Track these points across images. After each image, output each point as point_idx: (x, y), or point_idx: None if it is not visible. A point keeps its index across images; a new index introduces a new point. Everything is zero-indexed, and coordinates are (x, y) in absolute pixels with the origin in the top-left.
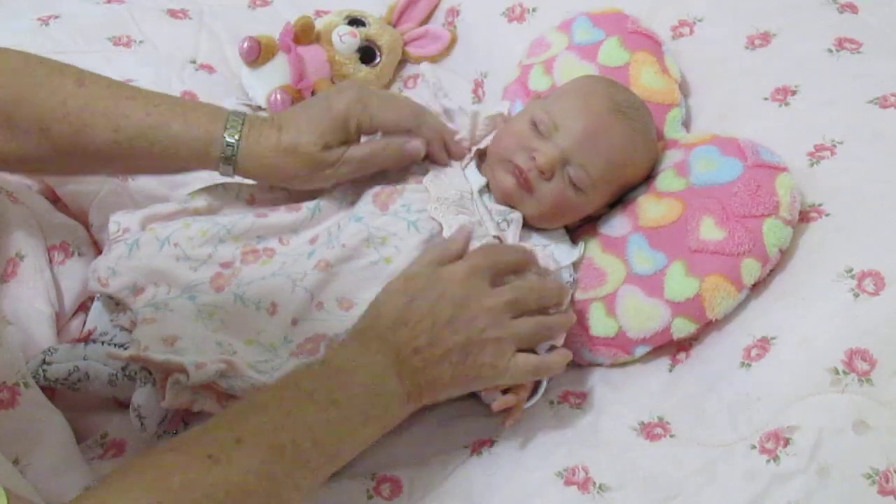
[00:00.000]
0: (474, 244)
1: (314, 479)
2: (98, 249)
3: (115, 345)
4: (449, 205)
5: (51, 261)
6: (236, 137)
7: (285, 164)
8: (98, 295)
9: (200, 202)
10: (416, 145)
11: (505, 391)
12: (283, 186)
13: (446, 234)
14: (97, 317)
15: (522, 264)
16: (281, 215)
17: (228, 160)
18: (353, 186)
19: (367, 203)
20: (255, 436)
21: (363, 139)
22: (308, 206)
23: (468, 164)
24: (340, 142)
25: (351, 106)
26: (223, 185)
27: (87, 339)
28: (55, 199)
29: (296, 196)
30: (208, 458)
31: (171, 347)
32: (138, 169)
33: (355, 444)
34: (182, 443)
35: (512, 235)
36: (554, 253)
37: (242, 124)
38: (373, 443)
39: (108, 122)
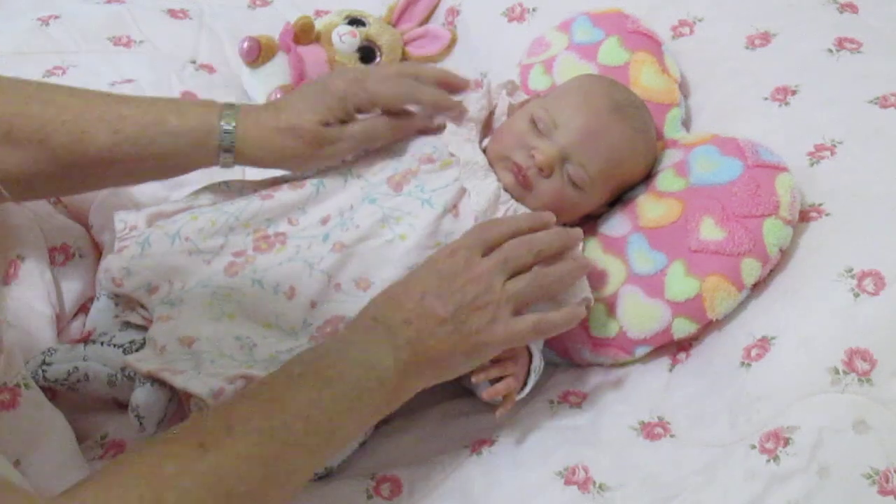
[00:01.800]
0: (500, 209)
1: (311, 460)
2: (98, 251)
3: (115, 345)
4: (478, 168)
5: (51, 262)
6: (233, 124)
7: (286, 144)
8: (98, 296)
9: (204, 199)
10: (415, 117)
11: (495, 381)
12: (285, 169)
13: (474, 200)
14: (97, 317)
15: (519, 231)
16: (286, 193)
17: (228, 148)
18: (358, 160)
19: (380, 185)
20: (246, 422)
21: (361, 117)
22: (311, 181)
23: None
24: (339, 120)
25: (348, 85)
26: (225, 182)
27: (86, 340)
28: (56, 201)
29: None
30: (199, 447)
31: (188, 349)
32: (141, 173)
33: (353, 421)
34: (174, 434)
35: None
36: None
37: (237, 112)
38: (373, 433)
39: (107, 124)
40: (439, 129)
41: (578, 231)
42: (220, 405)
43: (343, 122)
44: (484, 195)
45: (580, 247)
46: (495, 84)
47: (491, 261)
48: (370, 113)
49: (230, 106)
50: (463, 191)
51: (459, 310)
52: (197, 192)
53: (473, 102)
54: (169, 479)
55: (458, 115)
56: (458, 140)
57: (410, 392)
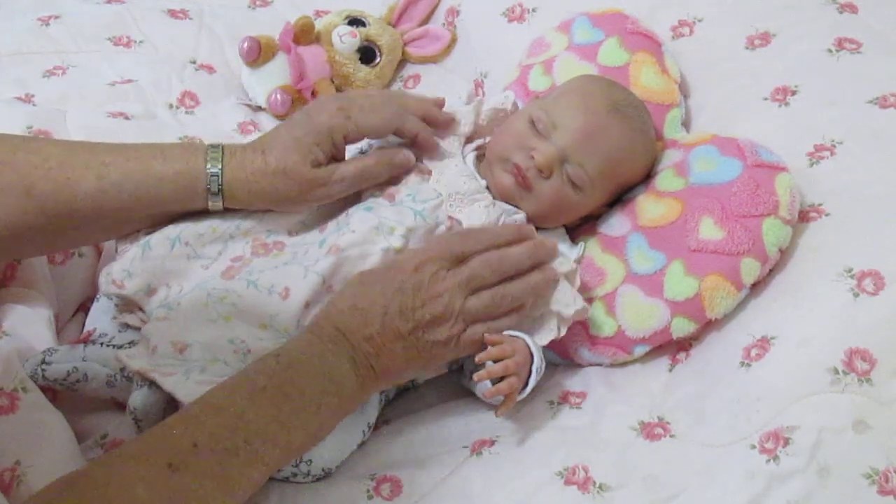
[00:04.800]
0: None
1: (268, 470)
2: (98, 250)
3: (114, 346)
4: (463, 196)
5: (51, 261)
6: (219, 167)
7: (275, 187)
8: (98, 296)
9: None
10: (405, 156)
11: (496, 381)
12: (277, 210)
13: (467, 225)
14: (97, 317)
15: (492, 246)
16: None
17: (216, 192)
18: None
19: (375, 195)
20: (210, 439)
21: (352, 148)
22: None
23: (468, 155)
24: (328, 156)
25: (333, 118)
26: None
27: (86, 341)
28: None
29: None
30: (168, 467)
31: (180, 355)
32: (129, 223)
33: (311, 431)
34: (142, 450)
35: None
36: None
37: (222, 154)
38: (331, 428)
39: (91, 171)
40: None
41: (553, 244)
42: (189, 416)
43: (333, 157)
44: (476, 221)
45: (579, 249)
46: (486, 107)
47: (455, 278)
48: (359, 142)
49: (214, 148)
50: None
51: (418, 327)
52: None
53: (462, 116)
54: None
55: (444, 126)
56: (441, 156)
57: (367, 398)
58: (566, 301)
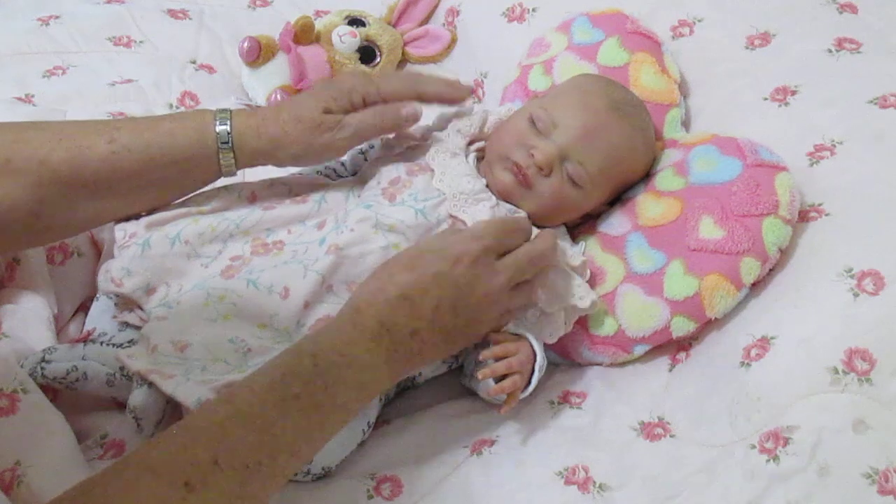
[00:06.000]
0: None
1: (284, 481)
2: (97, 249)
3: (114, 345)
4: (467, 196)
5: (51, 261)
6: (227, 123)
7: (285, 131)
8: (98, 296)
9: (204, 205)
10: (412, 108)
11: (500, 378)
12: (284, 164)
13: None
14: (97, 317)
15: (526, 237)
16: (287, 207)
17: (226, 141)
18: (359, 180)
19: (376, 194)
20: (233, 455)
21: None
22: (314, 197)
23: (469, 155)
24: (343, 111)
25: (355, 79)
26: (224, 186)
27: (86, 340)
28: None
29: (296, 190)
30: (184, 486)
31: (180, 354)
32: (143, 189)
33: (328, 438)
34: (161, 462)
35: None
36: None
37: (231, 114)
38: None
39: (102, 136)
40: (427, 140)
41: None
42: (212, 426)
43: (346, 112)
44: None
45: (579, 248)
46: (493, 117)
47: (506, 275)
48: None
49: (223, 110)
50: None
51: (468, 324)
52: (195, 197)
53: (469, 119)
54: None
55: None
56: (444, 156)
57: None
58: (581, 294)
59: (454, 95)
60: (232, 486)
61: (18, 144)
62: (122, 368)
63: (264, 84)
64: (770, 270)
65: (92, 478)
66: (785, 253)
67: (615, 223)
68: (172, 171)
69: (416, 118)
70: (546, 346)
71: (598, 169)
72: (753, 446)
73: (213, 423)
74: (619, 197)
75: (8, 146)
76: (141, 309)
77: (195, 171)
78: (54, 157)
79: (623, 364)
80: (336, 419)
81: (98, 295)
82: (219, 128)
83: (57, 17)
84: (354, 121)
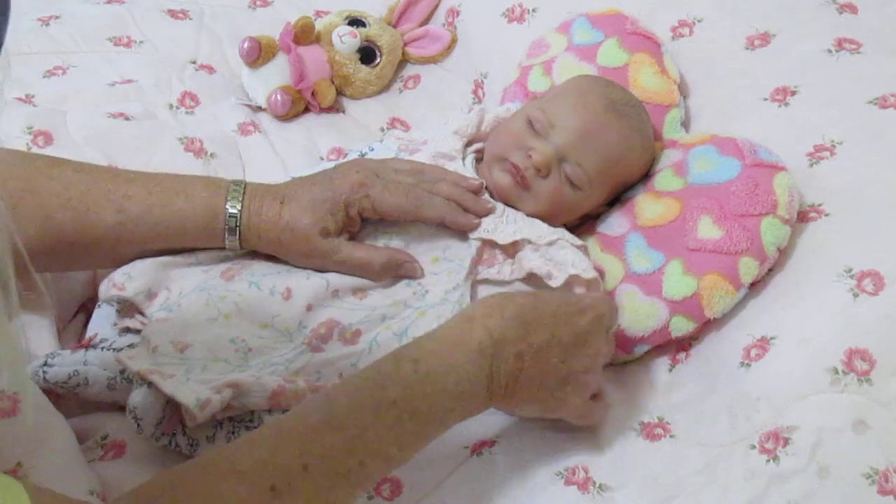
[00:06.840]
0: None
1: (371, 487)
2: None
3: (114, 349)
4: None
5: None
6: (238, 208)
7: (282, 241)
8: (100, 304)
9: None
10: (413, 268)
11: None
12: (283, 259)
13: (499, 240)
14: (98, 323)
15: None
16: None
17: (233, 231)
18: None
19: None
20: (323, 461)
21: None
22: None
23: (467, 157)
24: (341, 226)
25: (353, 191)
26: None
27: (87, 346)
28: None
29: None
30: (270, 491)
31: (181, 355)
32: (143, 253)
33: (420, 449)
34: (250, 465)
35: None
36: (556, 256)
37: (243, 194)
38: None
39: (111, 203)
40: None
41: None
42: (304, 429)
43: (347, 226)
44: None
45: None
46: (489, 116)
47: (607, 348)
48: (373, 218)
49: (237, 185)
50: None
51: (569, 376)
52: None
53: (466, 121)
54: None
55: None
56: (441, 161)
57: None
58: (584, 266)
59: (460, 223)
60: (319, 491)
61: (27, 196)
62: (122, 372)
63: (264, 84)
64: (770, 271)
65: (174, 473)
66: (785, 253)
67: (614, 224)
68: (177, 244)
69: (413, 277)
70: None
71: (596, 170)
72: (753, 446)
73: (308, 427)
74: (618, 197)
75: (18, 194)
76: (142, 314)
77: (199, 245)
78: (59, 217)
79: (623, 364)
80: (430, 430)
81: (100, 303)
82: (228, 217)
83: (57, 18)
84: (354, 259)
